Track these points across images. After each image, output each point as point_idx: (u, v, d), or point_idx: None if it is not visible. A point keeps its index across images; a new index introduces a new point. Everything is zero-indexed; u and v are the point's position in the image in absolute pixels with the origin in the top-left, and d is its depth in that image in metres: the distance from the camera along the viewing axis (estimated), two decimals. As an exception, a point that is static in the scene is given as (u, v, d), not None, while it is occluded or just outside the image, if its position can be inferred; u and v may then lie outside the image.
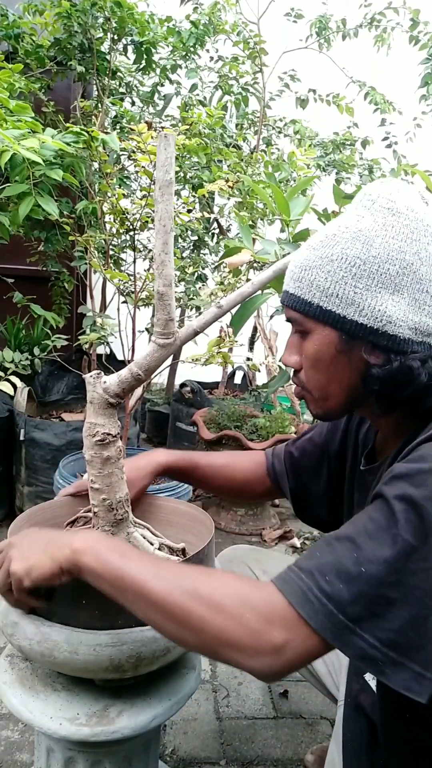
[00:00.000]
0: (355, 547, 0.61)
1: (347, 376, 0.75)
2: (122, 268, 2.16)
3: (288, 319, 0.80)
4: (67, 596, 0.76)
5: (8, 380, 1.56)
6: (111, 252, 1.97)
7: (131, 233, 1.91)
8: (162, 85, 2.57)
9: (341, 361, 0.74)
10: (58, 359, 2.28)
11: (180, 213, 1.90)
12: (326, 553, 0.63)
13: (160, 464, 1.04)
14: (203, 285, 2.47)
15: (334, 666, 1.09)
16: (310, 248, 0.76)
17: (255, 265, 1.26)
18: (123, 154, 2.09)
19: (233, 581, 0.65)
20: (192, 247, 2.61)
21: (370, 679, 0.81)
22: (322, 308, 0.73)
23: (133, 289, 1.87)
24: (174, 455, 1.07)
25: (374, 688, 0.79)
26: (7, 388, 1.53)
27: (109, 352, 2.49)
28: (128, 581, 0.66)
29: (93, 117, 2.16)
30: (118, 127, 2.34)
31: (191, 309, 2.46)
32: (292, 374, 0.83)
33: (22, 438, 2.13)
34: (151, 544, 0.88)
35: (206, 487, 1.14)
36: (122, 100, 2.45)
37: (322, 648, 0.61)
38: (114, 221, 1.83)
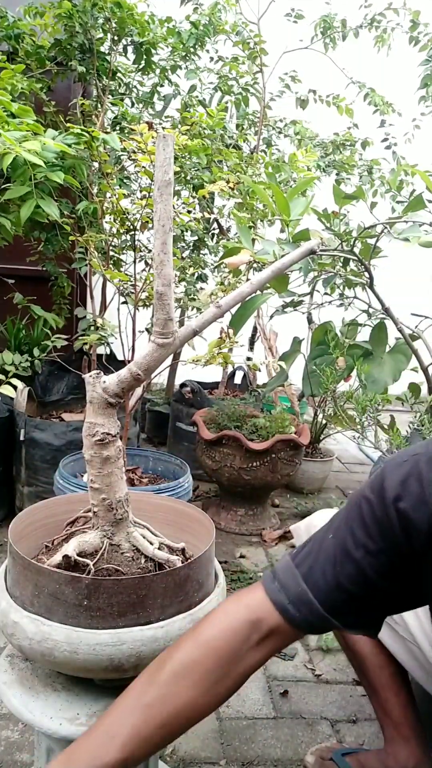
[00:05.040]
0: None
1: None
2: (122, 269, 2.16)
3: None
4: (68, 596, 0.76)
5: (9, 383, 1.56)
6: (111, 252, 1.97)
7: (131, 233, 1.91)
8: (162, 86, 2.58)
9: None
10: (58, 359, 2.29)
11: (180, 213, 1.90)
12: None
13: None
14: (203, 286, 2.47)
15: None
16: None
17: (255, 265, 1.26)
18: (123, 155, 2.09)
19: None
20: (192, 248, 2.61)
21: None
22: None
23: (133, 290, 1.87)
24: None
25: None
26: (9, 391, 1.54)
27: (109, 353, 2.50)
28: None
29: (93, 117, 2.16)
30: (118, 127, 2.34)
31: (191, 309, 2.46)
32: None
33: (22, 438, 2.13)
34: (151, 543, 0.88)
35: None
36: (122, 100, 2.46)
37: None
38: (114, 221, 1.83)
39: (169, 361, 2.83)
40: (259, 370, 2.78)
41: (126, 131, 2.21)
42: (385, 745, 1.10)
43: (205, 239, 2.59)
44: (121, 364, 1.99)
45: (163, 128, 2.40)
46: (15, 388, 1.57)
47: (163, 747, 0.70)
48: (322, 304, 1.84)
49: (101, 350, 2.27)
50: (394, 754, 1.07)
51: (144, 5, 2.40)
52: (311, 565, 0.73)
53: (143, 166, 1.69)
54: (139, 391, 1.87)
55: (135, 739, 0.66)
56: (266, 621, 0.72)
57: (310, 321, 2.62)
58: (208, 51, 2.65)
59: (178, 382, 3.11)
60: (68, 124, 1.75)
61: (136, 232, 1.89)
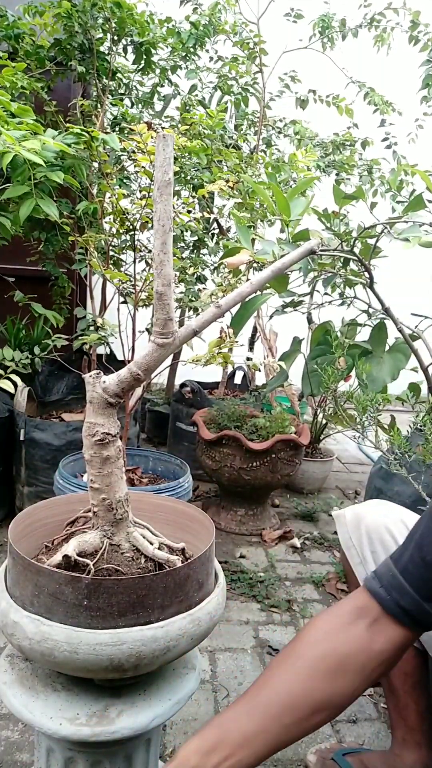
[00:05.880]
0: None
1: None
2: (122, 269, 2.17)
3: None
4: (68, 596, 0.76)
5: (9, 378, 1.56)
6: (111, 252, 1.97)
7: (131, 233, 1.91)
8: (162, 86, 2.58)
9: None
10: (58, 359, 2.29)
11: (180, 213, 1.90)
12: None
13: None
14: (203, 287, 2.47)
15: None
16: None
17: (255, 265, 1.26)
18: (123, 155, 2.10)
19: None
20: (192, 248, 2.61)
21: None
22: None
23: (133, 290, 1.87)
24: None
25: None
26: (8, 386, 1.54)
27: (109, 353, 2.50)
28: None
29: (93, 117, 2.16)
30: (117, 128, 2.34)
31: (191, 310, 2.47)
32: None
33: (22, 438, 2.13)
34: (151, 543, 0.88)
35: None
36: (122, 100, 2.46)
37: None
38: (114, 221, 1.83)
39: (169, 361, 2.83)
40: (259, 370, 2.78)
41: (126, 131, 2.21)
42: (392, 747, 1.11)
43: (205, 239, 2.59)
44: (121, 364, 1.99)
45: (163, 128, 2.40)
46: (15, 384, 1.57)
47: (294, 737, 0.71)
48: (322, 304, 1.84)
49: (101, 350, 2.27)
50: (402, 757, 1.08)
51: (143, 5, 2.40)
52: (402, 553, 0.75)
53: (143, 166, 1.69)
54: (139, 391, 1.87)
55: (241, 725, 0.71)
56: (368, 609, 0.74)
57: (310, 321, 2.62)
58: (207, 51, 2.65)
59: (178, 382, 3.11)
60: (68, 124, 1.76)
61: (136, 232, 1.89)
